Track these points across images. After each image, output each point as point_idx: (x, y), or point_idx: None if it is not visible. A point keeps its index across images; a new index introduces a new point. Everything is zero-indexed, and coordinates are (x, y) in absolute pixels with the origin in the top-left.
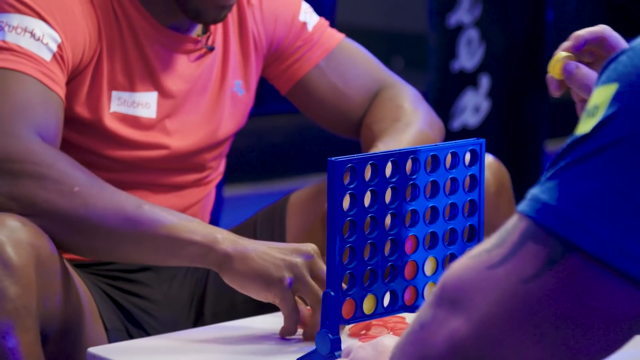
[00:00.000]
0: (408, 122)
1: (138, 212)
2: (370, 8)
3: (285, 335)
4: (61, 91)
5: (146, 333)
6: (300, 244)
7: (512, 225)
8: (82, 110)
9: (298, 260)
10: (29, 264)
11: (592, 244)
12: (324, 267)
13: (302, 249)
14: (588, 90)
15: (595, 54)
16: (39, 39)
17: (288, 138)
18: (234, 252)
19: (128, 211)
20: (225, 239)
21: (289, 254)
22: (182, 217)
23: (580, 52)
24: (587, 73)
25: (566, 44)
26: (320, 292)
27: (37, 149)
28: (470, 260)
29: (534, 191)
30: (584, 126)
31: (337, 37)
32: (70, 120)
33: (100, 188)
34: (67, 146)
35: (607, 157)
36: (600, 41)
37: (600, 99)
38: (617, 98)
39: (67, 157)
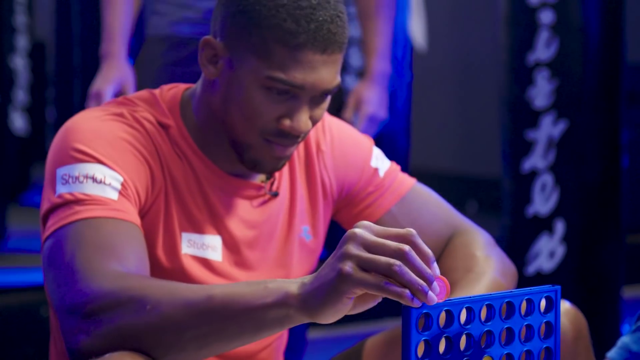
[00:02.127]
0: (481, 272)
1: (210, 304)
2: (444, 152)
3: (411, 298)
4: (136, 220)
5: None
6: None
7: None
8: (159, 252)
9: (348, 248)
10: None
11: None
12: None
13: (348, 249)
14: None
15: None
16: (101, 181)
17: None
18: (304, 294)
19: (200, 307)
20: (296, 287)
21: (337, 254)
22: (251, 286)
23: None
24: None
25: None
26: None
27: (115, 282)
28: None
29: (625, 339)
30: None
31: (408, 183)
32: (150, 264)
33: (169, 295)
34: None
35: None
36: None
37: None
38: None
39: (137, 277)
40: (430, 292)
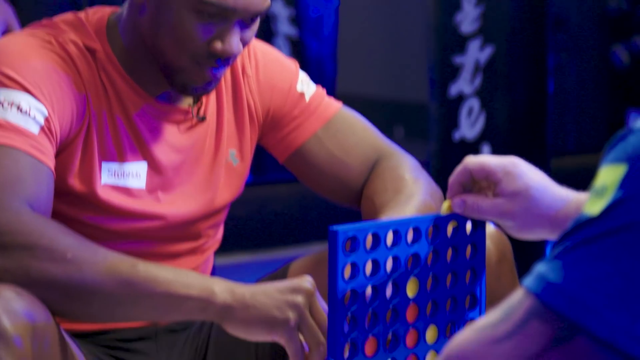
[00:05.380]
0: (410, 193)
1: (133, 272)
2: (372, 78)
3: None
4: (51, 163)
5: None
6: (297, 279)
7: (517, 301)
8: (75, 182)
9: (299, 299)
10: (25, 334)
11: (601, 327)
12: (323, 303)
13: (301, 286)
14: (484, 213)
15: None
16: (26, 112)
17: (289, 206)
18: (233, 302)
19: (123, 273)
20: (222, 290)
21: (289, 293)
22: (177, 272)
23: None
24: (474, 202)
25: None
26: (319, 333)
27: (27, 219)
28: (474, 333)
29: (541, 268)
30: (592, 207)
31: (334, 106)
32: (64, 192)
33: (93, 252)
34: (62, 219)
35: (616, 241)
36: (468, 176)
37: (608, 179)
38: (626, 181)
39: (57, 224)
40: None
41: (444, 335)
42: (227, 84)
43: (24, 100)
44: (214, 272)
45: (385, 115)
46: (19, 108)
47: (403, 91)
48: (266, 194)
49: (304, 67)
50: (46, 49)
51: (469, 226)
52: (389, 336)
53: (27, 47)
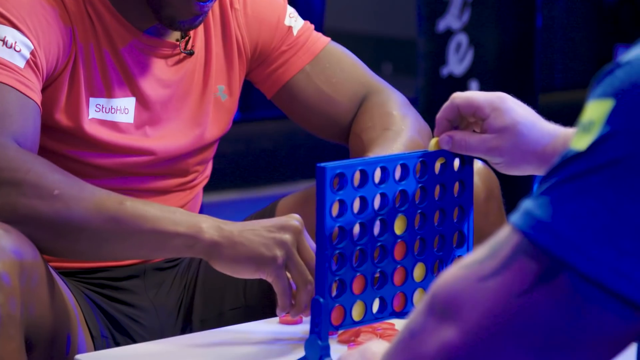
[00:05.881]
0: (398, 130)
1: (121, 209)
2: (359, 13)
3: (282, 312)
4: (37, 97)
5: (133, 340)
6: (285, 217)
7: (504, 238)
8: (61, 117)
9: (287, 237)
10: (13, 272)
11: (587, 264)
12: (311, 241)
13: (289, 224)
14: (472, 149)
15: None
16: (11, 46)
17: (277, 144)
18: (221, 240)
19: (111, 210)
20: (210, 227)
21: (277, 231)
22: (165, 209)
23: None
24: (462, 138)
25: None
26: (307, 271)
27: (13, 155)
28: (461, 270)
29: (528, 205)
30: (579, 142)
31: (322, 41)
32: (51, 127)
33: (80, 188)
34: (49, 154)
35: (603, 177)
36: (455, 112)
37: (595, 114)
38: (613, 116)
39: (44, 161)
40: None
41: (431, 273)
42: (216, 19)
43: (9, 34)
44: (202, 209)
45: (373, 51)
46: (4, 42)
47: (391, 27)
48: (254, 131)
49: (292, 2)
50: None
51: (456, 163)
52: (377, 274)
53: None
